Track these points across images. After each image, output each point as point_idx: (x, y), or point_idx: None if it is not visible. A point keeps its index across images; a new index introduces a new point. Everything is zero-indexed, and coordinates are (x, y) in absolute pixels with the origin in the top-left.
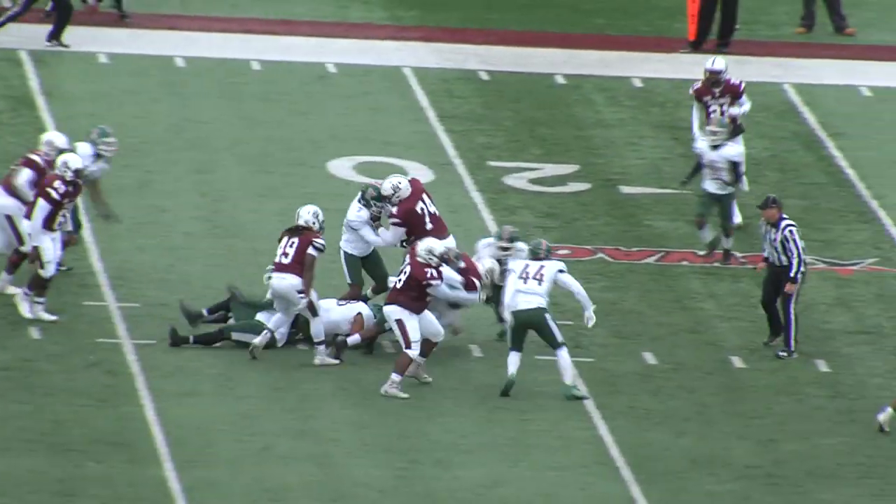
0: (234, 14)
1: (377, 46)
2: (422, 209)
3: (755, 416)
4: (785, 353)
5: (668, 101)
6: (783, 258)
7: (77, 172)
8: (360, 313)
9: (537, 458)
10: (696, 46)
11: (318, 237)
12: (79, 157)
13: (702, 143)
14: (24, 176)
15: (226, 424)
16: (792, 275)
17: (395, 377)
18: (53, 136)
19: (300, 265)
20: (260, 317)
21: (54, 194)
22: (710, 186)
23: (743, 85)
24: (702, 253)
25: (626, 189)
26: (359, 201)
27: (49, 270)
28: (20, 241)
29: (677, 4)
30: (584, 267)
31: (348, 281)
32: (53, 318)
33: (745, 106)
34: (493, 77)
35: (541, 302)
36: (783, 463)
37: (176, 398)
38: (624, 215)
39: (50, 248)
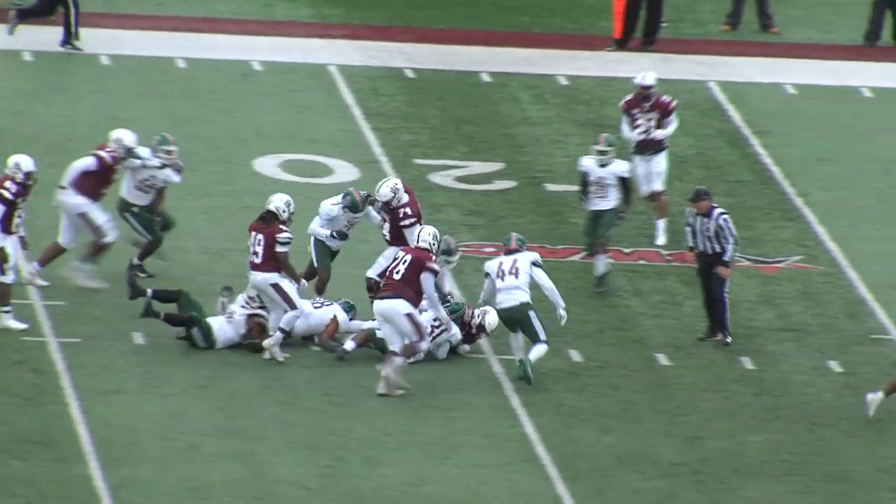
0: (158, 12)
1: (302, 44)
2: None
3: (681, 413)
4: (730, 340)
5: (593, 98)
6: (716, 246)
7: (28, 175)
8: (335, 316)
9: (463, 456)
10: (622, 44)
11: (281, 231)
12: (30, 160)
13: (588, 161)
14: (83, 162)
15: (152, 423)
16: (727, 258)
17: (398, 361)
18: (122, 134)
19: (272, 261)
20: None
21: (7, 194)
22: (597, 205)
23: (674, 104)
24: (599, 290)
25: (551, 187)
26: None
27: (9, 277)
28: (97, 234)
29: (603, 2)
30: None
31: (315, 264)
32: (23, 326)
33: (670, 127)
34: (418, 75)
35: (523, 297)
36: (708, 460)
37: (101, 396)
38: (549, 213)
39: (11, 252)
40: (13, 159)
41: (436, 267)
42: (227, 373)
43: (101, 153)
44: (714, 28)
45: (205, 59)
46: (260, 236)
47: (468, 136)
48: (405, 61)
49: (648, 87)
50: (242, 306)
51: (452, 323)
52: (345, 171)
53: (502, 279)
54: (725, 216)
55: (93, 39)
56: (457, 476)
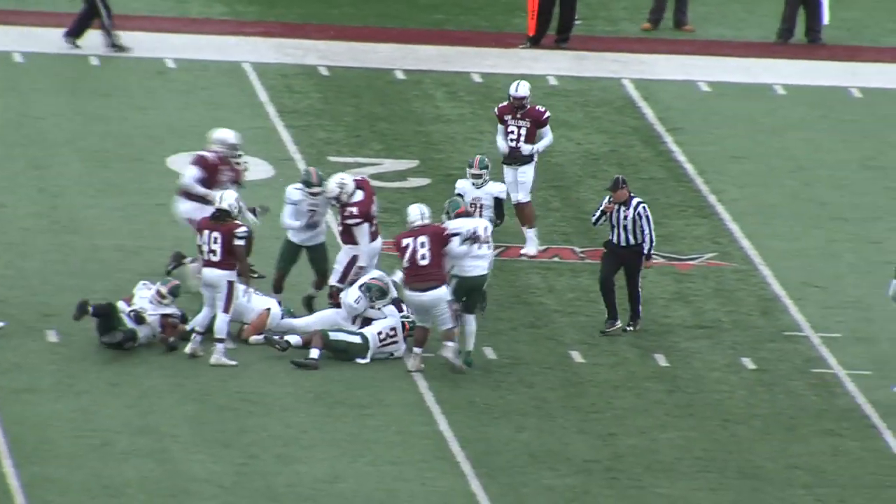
0: (72, 9)
1: (216, 42)
2: (374, 212)
3: (594, 410)
4: (632, 327)
5: (507, 96)
6: (632, 238)
7: None
8: (268, 309)
9: (377, 453)
10: (536, 42)
11: (238, 226)
12: None
13: (463, 183)
14: (189, 173)
15: (64, 420)
16: (647, 251)
17: (452, 345)
18: (225, 134)
19: (230, 257)
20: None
21: None
22: None
23: (547, 114)
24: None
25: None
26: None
27: None
28: None
29: (517, 0)
30: None
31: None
32: None
33: (543, 141)
34: (332, 72)
35: (488, 266)
36: (622, 457)
37: (14, 394)
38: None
39: None
40: (229, 145)
41: (451, 230)
42: (139, 370)
43: (206, 154)
44: (627, 25)
45: (118, 57)
46: (216, 234)
47: (382, 133)
48: (319, 59)
49: (521, 98)
50: (151, 302)
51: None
52: (259, 169)
53: (479, 246)
54: (644, 205)
55: (5, 36)
56: (371, 473)
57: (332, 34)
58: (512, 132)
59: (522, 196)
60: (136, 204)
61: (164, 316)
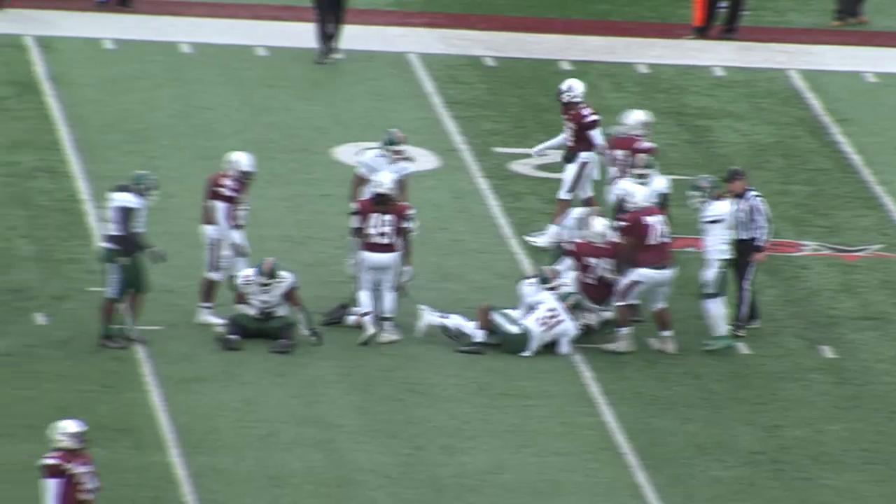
0: (240, 0)
1: (382, 32)
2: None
3: (760, 402)
4: (737, 331)
5: (673, 87)
6: (744, 232)
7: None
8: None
9: (541, 443)
10: (702, 32)
11: (408, 208)
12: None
13: (625, 182)
14: (216, 210)
15: (230, 410)
16: (761, 243)
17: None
18: (239, 157)
19: (398, 241)
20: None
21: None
22: None
23: (591, 118)
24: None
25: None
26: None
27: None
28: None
29: None
30: None
31: None
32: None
33: (551, 141)
34: (498, 63)
35: None
36: (788, 449)
37: (181, 384)
38: None
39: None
40: (233, 156)
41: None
42: (304, 360)
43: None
44: (795, 16)
45: (285, 48)
46: (387, 217)
47: (548, 124)
48: (485, 49)
49: (559, 94)
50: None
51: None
52: (424, 160)
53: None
54: (760, 198)
55: (173, 27)
56: (535, 464)
57: (498, 25)
58: (566, 131)
59: (561, 192)
60: (301, 195)
61: (285, 294)
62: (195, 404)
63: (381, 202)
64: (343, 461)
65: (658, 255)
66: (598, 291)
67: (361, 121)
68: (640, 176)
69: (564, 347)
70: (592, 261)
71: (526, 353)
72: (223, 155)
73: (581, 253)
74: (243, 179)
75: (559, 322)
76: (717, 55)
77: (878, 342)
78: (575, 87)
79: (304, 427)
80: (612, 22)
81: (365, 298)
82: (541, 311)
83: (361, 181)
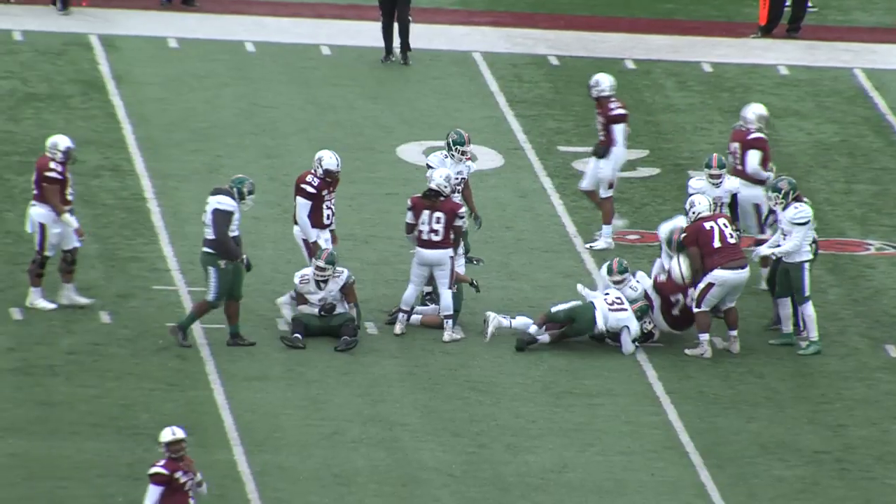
0: None
1: (447, 31)
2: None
3: (824, 401)
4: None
5: (737, 86)
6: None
7: (66, 153)
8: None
9: (606, 442)
10: (767, 31)
11: (460, 206)
12: (66, 139)
13: (699, 182)
14: (297, 207)
15: (295, 409)
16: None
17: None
18: (324, 154)
19: (450, 237)
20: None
21: (310, 189)
22: None
23: (617, 111)
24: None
25: (695, 174)
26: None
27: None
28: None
29: None
30: (653, 252)
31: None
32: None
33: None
34: (562, 62)
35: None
36: (852, 448)
37: (245, 382)
38: None
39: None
40: (319, 154)
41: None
42: (369, 359)
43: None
44: (860, 15)
45: (349, 46)
46: (438, 214)
47: None
48: (549, 48)
49: (589, 88)
50: (320, 282)
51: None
52: (488, 159)
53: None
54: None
55: (237, 25)
56: (600, 463)
57: (562, 24)
58: (597, 126)
59: (601, 190)
60: (365, 193)
61: (342, 288)
62: (259, 402)
63: (432, 198)
64: (407, 460)
65: (728, 256)
66: (683, 320)
67: (426, 120)
68: (712, 177)
69: (627, 346)
70: (674, 298)
71: (597, 328)
72: (287, 154)
73: (665, 291)
74: (326, 178)
75: (623, 309)
76: (782, 54)
77: None
78: (602, 82)
79: (368, 426)
80: (677, 21)
81: (408, 294)
82: (609, 296)
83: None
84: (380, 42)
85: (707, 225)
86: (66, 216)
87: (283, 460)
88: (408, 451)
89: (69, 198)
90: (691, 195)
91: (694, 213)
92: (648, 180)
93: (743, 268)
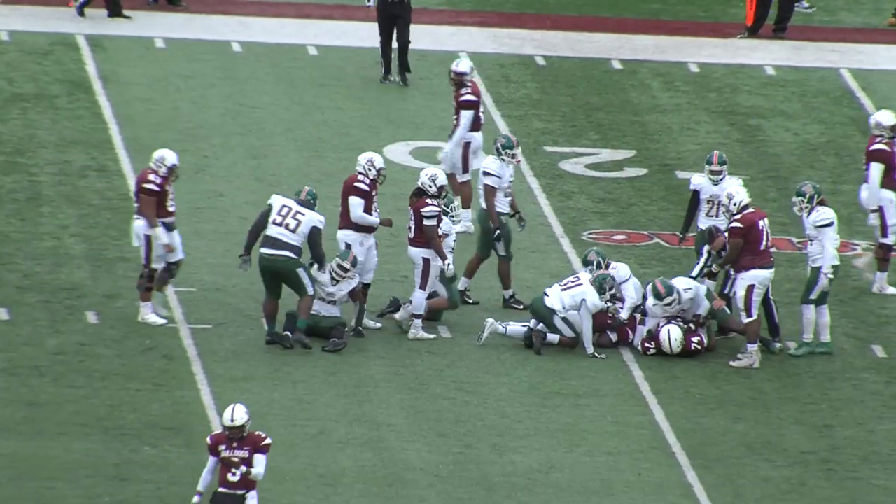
0: None
1: (433, 31)
2: None
3: (811, 401)
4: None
5: (724, 86)
6: None
7: (171, 169)
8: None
9: (592, 443)
10: (754, 32)
11: (426, 205)
12: (174, 155)
13: (699, 179)
14: (355, 205)
15: (281, 409)
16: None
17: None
18: (373, 157)
19: (423, 236)
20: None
21: (363, 186)
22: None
23: (466, 97)
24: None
25: (682, 174)
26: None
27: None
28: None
29: None
30: (640, 252)
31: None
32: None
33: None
34: (549, 62)
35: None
36: (839, 449)
37: (231, 383)
38: (681, 200)
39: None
40: (365, 156)
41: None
42: (355, 360)
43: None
44: (846, 15)
45: (336, 46)
46: (412, 211)
47: (599, 123)
48: (536, 48)
49: (461, 75)
50: (334, 280)
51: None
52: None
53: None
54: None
55: (223, 26)
56: (586, 463)
57: (549, 24)
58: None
59: (458, 175)
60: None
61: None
62: (246, 403)
63: (413, 197)
64: (393, 460)
65: (765, 259)
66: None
67: (413, 120)
68: (713, 173)
69: (585, 318)
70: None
71: (556, 313)
72: (273, 154)
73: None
74: (378, 177)
75: (578, 285)
76: (769, 54)
77: None
78: (462, 64)
79: (354, 426)
80: (664, 21)
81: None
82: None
83: (493, 190)
84: (365, 42)
85: (761, 223)
86: (157, 230)
87: (269, 460)
88: (394, 451)
89: (170, 209)
90: (694, 189)
91: (737, 203)
92: (635, 180)
93: (772, 266)
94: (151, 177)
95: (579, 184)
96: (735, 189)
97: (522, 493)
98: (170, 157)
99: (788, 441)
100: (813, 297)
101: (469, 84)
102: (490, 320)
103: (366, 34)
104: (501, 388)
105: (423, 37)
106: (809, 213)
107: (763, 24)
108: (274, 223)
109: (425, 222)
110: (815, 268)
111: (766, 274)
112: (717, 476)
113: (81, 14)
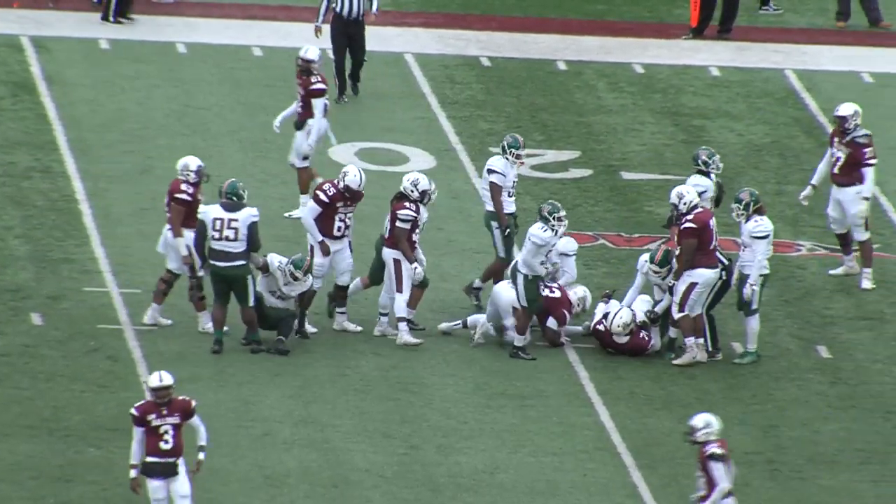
0: (235, 0)
1: (379, 32)
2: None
3: (755, 402)
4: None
5: (669, 87)
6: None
7: (198, 173)
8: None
9: (537, 443)
10: (698, 33)
11: (403, 208)
12: (196, 159)
13: (699, 179)
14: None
15: (226, 410)
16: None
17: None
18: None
19: (392, 236)
20: None
21: (323, 196)
22: None
23: (317, 86)
24: None
25: (627, 175)
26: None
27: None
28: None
29: None
30: (585, 253)
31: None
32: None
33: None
34: (494, 63)
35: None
36: (783, 449)
37: (176, 384)
38: (625, 201)
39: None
40: (347, 170)
41: (404, 226)
42: (301, 360)
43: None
44: (789, 17)
45: (280, 48)
46: (390, 213)
47: (544, 124)
48: (481, 49)
49: (309, 62)
50: (285, 284)
51: None
52: (420, 160)
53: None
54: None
55: (168, 27)
56: (531, 464)
57: (494, 25)
58: (299, 99)
59: (296, 161)
60: (297, 194)
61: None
62: None
63: (393, 200)
64: (339, 461)
65: (713, 259)
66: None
67: (358, 121)
68: (701, 174)
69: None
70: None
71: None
72: (218, 154)
73: (604, 341)
74: (345, 192)
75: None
76: (713, 55)
77: (874, 342)
78: (310, 51)
79: (300, 427)
80: (609, 22)
81: (381, 295)
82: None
83: (499, 189)
84: (311, 43)
85: (711, 222)
86: (181, 240)
87: (214, 462)
88: (339, 452)
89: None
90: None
91: (687, 203)
92: (580, 181)
93: (717, 266)
94: (183, 186)
95: (524, 185)
96: (685, 188)
97: (468, 493)
98: (192, 162)
99: (733, 441)
100: (756, 306)
101: (316, 72)
102: (481, 319)
103: (311, 35)
104: (447, 388)
105: (368, 38)
106: (747, 220)
107: (708, 25)
108: (214, 239)
109: (398, 223)
110: (745, 274)
111: (711, 274)
112: (662, 476)
113: (113, 20)
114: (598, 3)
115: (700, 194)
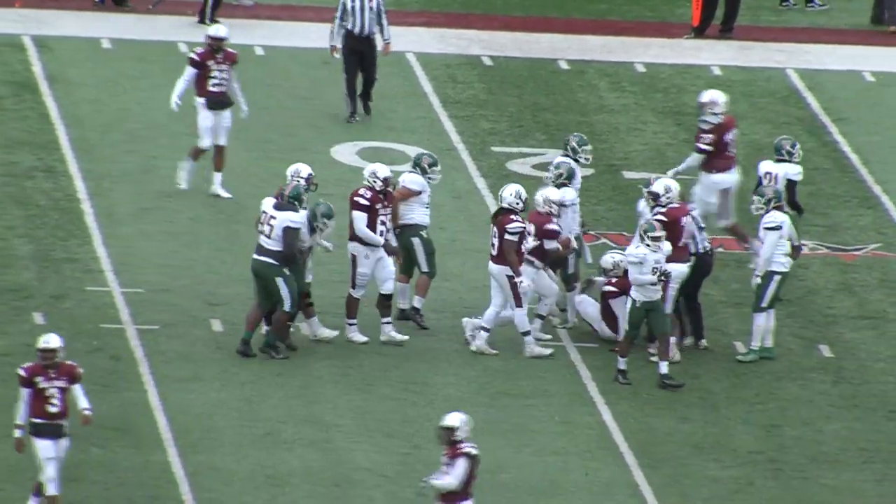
0: None
1: None
2: None
3: (758, 401)
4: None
5: (671, 86)
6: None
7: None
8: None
9: (540, 443)
10: (700, 32)
11: (511, 221)
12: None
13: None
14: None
15: (229, 410)
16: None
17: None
18: (378, 167)
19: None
20: None
21: (362, 201)
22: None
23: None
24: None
25: (629, 174)
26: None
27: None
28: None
29: None
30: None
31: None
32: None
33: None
34: (496, 62)
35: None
36: (786, 448)
37: (179, 383)
38: (627, 200)
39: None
40: (371, 168)
41: (514, 239)
42: (303, 360)
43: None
44: (792, 15)
45: (283, 47)
46: (496, 228)
47: (546, 123)
48: (483, 49)
49: (220, 40)
50: None
51: None
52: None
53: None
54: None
55: (171, 26)
56: (534, 463)
57: (496, 24)
58: (215, 77)
59: (224, 139)
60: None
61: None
62: (193, 404)
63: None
64: (341, 460)
65: (685, 252)
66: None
67: (360, 120)
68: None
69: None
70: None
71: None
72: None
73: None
74: (384, 188)
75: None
76: (715, 54)
77: (876, 341)
78: (220, 31)
79: (302, 426)
80: (611, 21)
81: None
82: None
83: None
84: (314, 43)
85: (683, 220)
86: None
87: (216, 461)
88: (341, 451)
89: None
90: (663, 181)
91: (669, 197)
92: (582, 180)
93: (688, 261)
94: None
95: (526, 184)
96: (674, 182)
97: None
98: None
99: (736, 441)
100: (764, 304)
101: (224, 50)
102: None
103: (314, 35)
104: (449, 388)
105: None
106: (765, 214)
107: (710, 25)
108: (257, 229)
109: (506, 237)
110: (767, 272)
111: (683, 268)
112: (664, 476)
113: (206, 22)
114: (600, 2)
115: (788, 182)
